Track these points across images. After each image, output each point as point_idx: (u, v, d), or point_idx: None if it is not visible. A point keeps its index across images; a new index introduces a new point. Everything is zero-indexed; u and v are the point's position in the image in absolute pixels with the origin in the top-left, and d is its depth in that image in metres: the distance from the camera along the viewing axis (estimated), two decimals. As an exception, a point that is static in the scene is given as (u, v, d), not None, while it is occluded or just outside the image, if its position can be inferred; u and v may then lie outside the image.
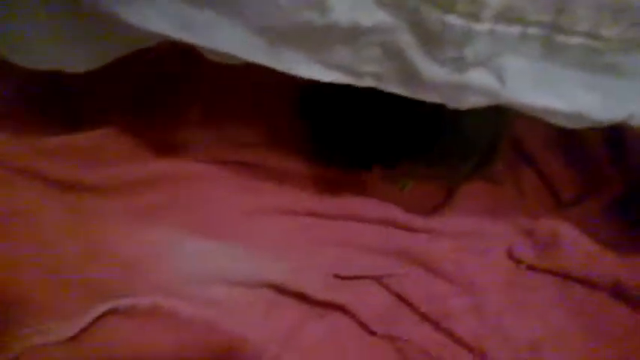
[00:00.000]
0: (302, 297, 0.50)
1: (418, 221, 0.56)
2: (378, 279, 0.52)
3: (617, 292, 0.51)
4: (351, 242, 0.54)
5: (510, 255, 0.56)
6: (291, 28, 0.38)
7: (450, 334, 0.48)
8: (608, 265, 0.52)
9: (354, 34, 0.38)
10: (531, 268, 0.55)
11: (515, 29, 0.35)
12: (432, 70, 0.38)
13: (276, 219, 0.56)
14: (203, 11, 0.38)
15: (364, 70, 0.40)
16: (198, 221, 0.55)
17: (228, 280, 0.51)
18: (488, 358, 0.46)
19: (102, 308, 0.44)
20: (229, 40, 0.40)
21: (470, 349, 0.47)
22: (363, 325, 0.49)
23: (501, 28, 0.35)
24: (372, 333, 0.49)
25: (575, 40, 0.34)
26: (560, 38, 0.34)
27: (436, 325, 0.49)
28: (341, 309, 0.50)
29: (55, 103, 0.59)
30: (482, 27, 0.35)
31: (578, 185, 0.62)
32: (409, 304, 0.50)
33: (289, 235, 0.55)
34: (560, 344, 0.48)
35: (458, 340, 0.48)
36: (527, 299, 0.52)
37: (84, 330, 0.44)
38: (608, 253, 0.54)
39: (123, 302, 0.45)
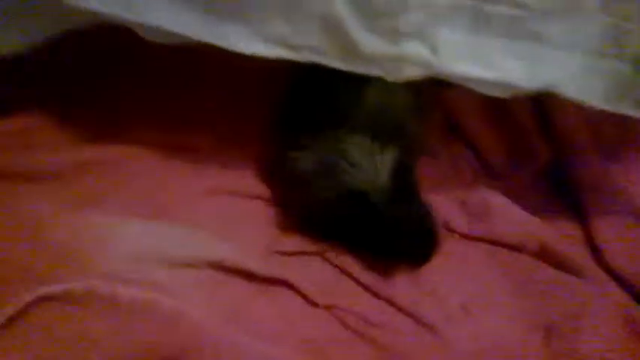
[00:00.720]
0: (246, 274, 0.51)
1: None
2: (320, 254, 0.53)
3: (543, 253, 0.55)
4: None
5: (445, 226, 0.58)
6: (231, 2, 0.38)
7: (389, 301, 0.50)
8: (535, 229, 0.56)
9: (292, 6, 0.38)
10: (464, 237, 0.57)
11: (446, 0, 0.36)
12: (369, 41, 0.39)
13: (218, 200, 0.56)
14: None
15: (304, 44, 0.40)
16: (138, 204, 0.53)
17: (170, 262, 0.50)
18: (423, 320, 0.48)
19: (33, 295, 0.42)
20: (167, 16, 0.39)
21: (407, 313, 0.49)
22: (306, 298, 0.50)
23: (432, -1, 0.36)
24: (315, 305, 0.50)
25: (500, 9, 0.36)
26: (488, 8, 0.36)
27: (376, 294, 0.51)
28: (284, 284, 0.51)
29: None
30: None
31: (508, 155, 0.65)
32: (350, 276, 0.52)
33: (232, 216, 0.55)
34: (489, 303, 0.51)
35: (396, 306, 0.50)
36: (460, 266, 0.54)
37: (15, 318, 0.42)
38: (535, 218, 0.57)
39: (56, 288, 0.43)
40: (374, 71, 0.40)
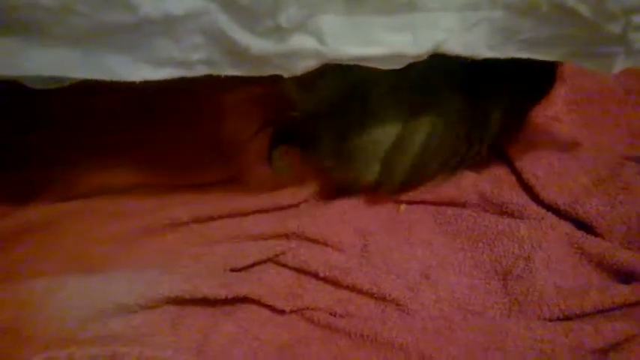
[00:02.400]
0: (206, 301, 0.50)
1: (299, 196, 0.58)
2: (273, 260, 0.53)
3: (484, 204, 0.57)
4: (237, 236, 0.54)
5: (391, 199, 0.59)
6: (103, 33, 0.37)
7: (352, 289, 0.51)
8: (472, 182, 0.58)
9: (170, 26, 0.37)
10: (409, 203, 0.59)
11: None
12: (255, 44, 0.39)
13: (155, 236, 0.54)
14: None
15: (194, 59, 0.40)
16: (73, 261, 0.52)
17: (124, 309, 0.49)
18: (387, 297, 0.49)
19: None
20: (47, 63, 0.38)
21: (371, 295, 0.50)
22: (272, 308, 0.50)
23: (304, -10, 0.36)
24: (282, 312, 0.50)
25: (371, -13, 0.37)
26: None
27: (337, 285, 0.51)
28: (246, 300, 0.50)
29: None
30: (287, -7, 0.36)
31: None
32: (308, 274, 0.52)
33: (174, 247, 0.54)
34: (445, 264, 0.53)
35: (360, 292, 0.50)
36: (411, 234, 0.55)
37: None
38: (469, 172, 0.59)
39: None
40: (269, 71, 0.40)
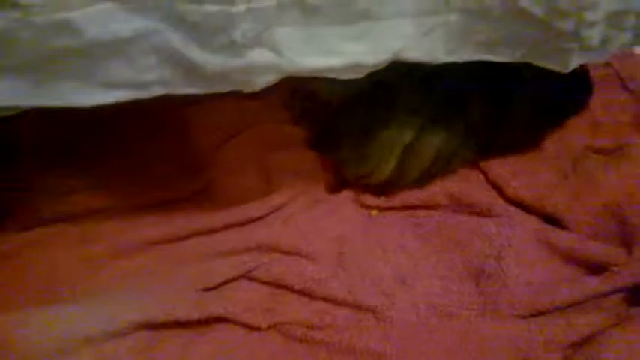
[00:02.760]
0: (179, 323, 0.49)
1: (269, 206, 0.57)
2: (246, 276, 0.52)
3: (454, 205, 0.57)
4: (208, 253, 0.53)
5: (362, 205, 0.59)
6: (52, 59, 0.36)
7: (328, 299, 0.50)
8: (441, 184, 0.58)
9: (120, 47, 0.36)
10: (380, 209, 0.58)
11: (270, 2, 0.36)
12: (211, 61, 0.38)
13: (124, 258, 0.53)
14: None
15: (149, 80, 0.39)
16: (39, 292, 0.50)
17: (94, 339, 0.47)
18: (363, 305, 0.49)
19: None
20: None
21: (346, 304, 0.50)
22: (247, 325, 0.49)
23: (257, 4, 0.36)
24: (258, 328, 0.49)
25: (324, -4, 0.36)
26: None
27: (312, 297, 0.50)
28: (221, 319, 0.49)
29: None
30: (239, 8, 0.35)
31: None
32: (283, 287, 0.51)
33: (144, 269, 0.52)
34: (418, 267, 0.53)
35: (335, 302, 0.50)
36: (385, 238, 0.55)
37: None
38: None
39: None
40: (227, 88, 0.40)
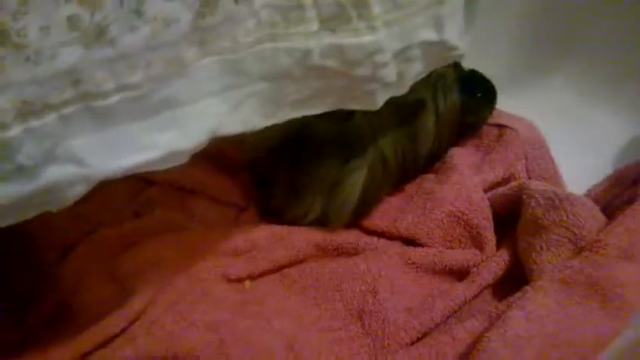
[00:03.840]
0: None
1: (123, 319, 0.51)
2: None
3: (321, 252, 0.57)
4: None
5: (231, 280, 0.56)
6: None
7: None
8: (303, 237, 0.58)
9: None
10: (253, 278, 0.56)
11: (50, 118, 0.33)
12: (2, 192, 0.33)
13: None
14: None
15: None
16: None
17: None
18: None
19: None
20: None
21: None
22: None
23: (34, 123, 0.32)
24: None
25: (113, 99, 0.34)
26: (99, 103, 0.34)
27: None
28: None
29: None
30: (14, 132, 0.32)
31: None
32: None
33: None
34: (305, 325, 0.51)
35: None
36: (264, 307, 0.53)
37: None
38: (300, 229, 0.60)
39: None
40: (34, 213, 0.35)
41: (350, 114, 0.56)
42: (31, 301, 0.55)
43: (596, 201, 0.56)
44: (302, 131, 0.57)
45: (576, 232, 0.49)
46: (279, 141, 0.59)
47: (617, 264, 0.46)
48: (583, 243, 0.49)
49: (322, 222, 0.60)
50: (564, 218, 0.50)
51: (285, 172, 0.60)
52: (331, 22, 0.39)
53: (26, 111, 0.32)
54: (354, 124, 0.57)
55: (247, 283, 0.57)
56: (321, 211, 0.59)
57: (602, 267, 0.46)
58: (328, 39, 0.39)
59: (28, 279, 0.57)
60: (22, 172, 0.33)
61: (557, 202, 0.51)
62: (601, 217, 0.52)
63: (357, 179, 0.57)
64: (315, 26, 0.39)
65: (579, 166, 0.64)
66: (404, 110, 0.59)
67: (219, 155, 0.66)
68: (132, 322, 0.51)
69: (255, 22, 0.38)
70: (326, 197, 0.58)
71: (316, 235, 0.58)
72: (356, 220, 0.60)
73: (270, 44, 0.39)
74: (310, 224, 0.60)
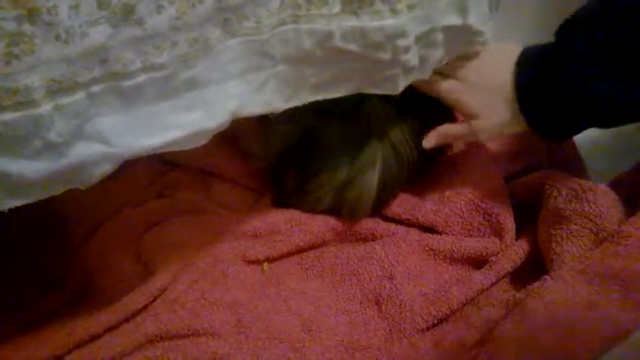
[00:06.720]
0: None
1: (151, 292, 0.53)
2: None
3: (338, 238, 0.58)
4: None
5: (250, 262, 0.57)
6: None
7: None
8: (322, 221, 0.58)
9: None
10: (271, 260, 0.57)
11: (79, 95, 0.34)
12: (30, 168, 0.34)
13: None
14: None
15: None
16: None
17: None
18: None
19: None
20: None
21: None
22: None
23: (63, 100, 0.33)
24: None
25: (139, 80, 0.35)
26: (127, 84, 0.35)
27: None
28: None
29: None
30: (45, 109, 0.33)
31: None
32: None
33: None
34: (322, 307, 0.52)
35: None
36: (282, 288, 0.54)
37: None
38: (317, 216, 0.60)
39: None
40: (61, 189, 0.36)
41: (356, 110, 0.55)
42: (60, 279, 0.57)
43: (621, 190, 0.55)
44: (310, 133, 0.57)
45: (598, 222, 0.48)
46: (289, 145, 0.59)
47: (639, 255, 0.45)
48: (604, 234, 0.48)
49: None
50: (586, 209, 0.49)
51: (293, 177, 0.60)
52: (353, 4, 0.39)
53: (56, 89, 0.33)
54: (360, 122, 0.56)
55: (265, 265, 0.58)
56: (328, 207, 0.59)
57: (623, 258, 0.45)
58: (350, 21, 0.39)
59: (58, 257, 0.59)
60: (51, 148, 0.34)
61: (579, 192, 0.50)
62: (623, 209, 0.51)
63: (371, 176, 0.56)
64: (337, 8, 0.39)
65: (603, 154, 0.63)
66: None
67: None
68: (154, 299, 0.52)
69: (279, 3, 0.38)
70: (336, 196, 0.58)
71: (335, 221, 0.58)
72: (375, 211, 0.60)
73: (292, 26, 0.39)
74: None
